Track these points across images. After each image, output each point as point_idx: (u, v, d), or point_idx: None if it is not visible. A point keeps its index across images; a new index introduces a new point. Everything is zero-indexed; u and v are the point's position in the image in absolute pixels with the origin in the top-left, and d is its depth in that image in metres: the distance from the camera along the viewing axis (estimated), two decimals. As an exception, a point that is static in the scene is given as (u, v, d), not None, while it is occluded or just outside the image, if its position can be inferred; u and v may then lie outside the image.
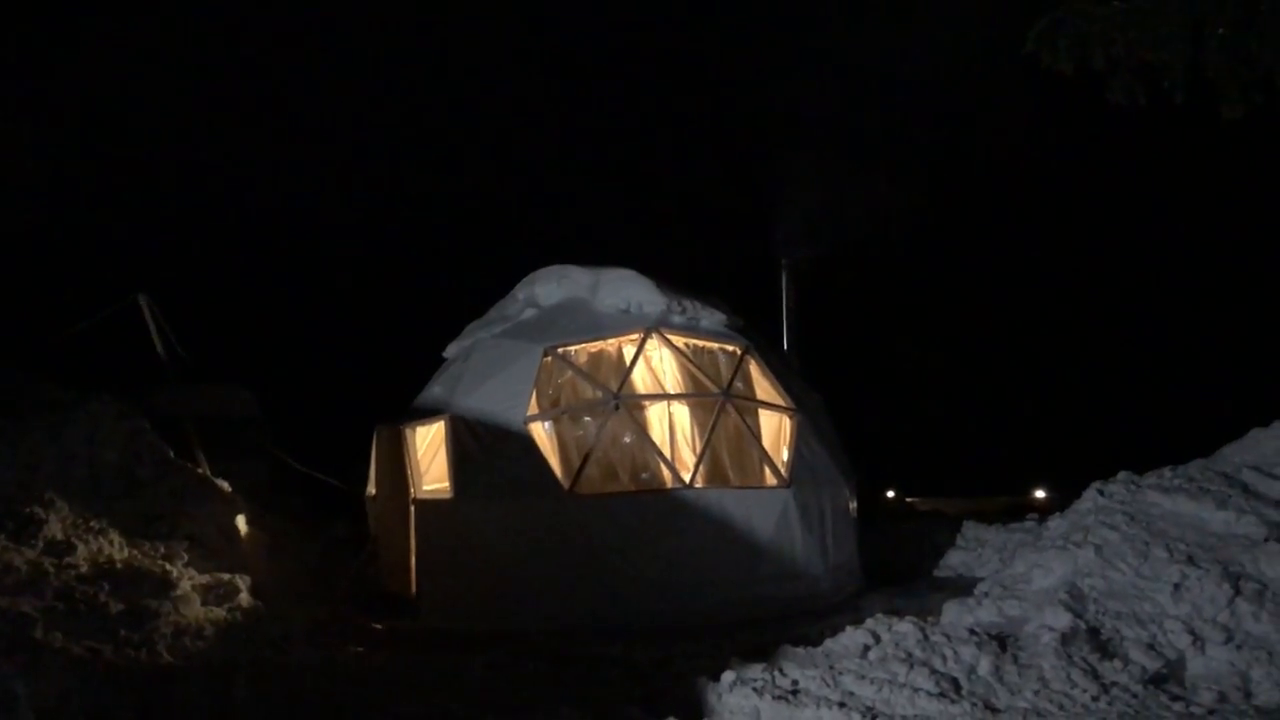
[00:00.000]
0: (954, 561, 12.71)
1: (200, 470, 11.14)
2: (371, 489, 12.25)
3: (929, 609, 9.30)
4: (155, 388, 12.70)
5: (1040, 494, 21.86)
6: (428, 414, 11.31)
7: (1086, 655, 7.64)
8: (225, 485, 11.16)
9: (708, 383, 11.07)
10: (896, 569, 12.68)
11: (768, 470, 10.90)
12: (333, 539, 12.95)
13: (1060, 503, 12.15)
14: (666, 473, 10.55)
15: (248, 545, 10.86)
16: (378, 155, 27.64)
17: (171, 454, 10.75)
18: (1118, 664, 7.57)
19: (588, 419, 10.87)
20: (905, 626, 8.10)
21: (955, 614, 8.63)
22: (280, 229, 22.97)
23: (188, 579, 8.63)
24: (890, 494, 21.28)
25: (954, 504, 19.54)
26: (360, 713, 7.12)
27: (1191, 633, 7.86)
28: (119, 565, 8.33)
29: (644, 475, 10.74)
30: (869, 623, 8.35)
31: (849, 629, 8.31)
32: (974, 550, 12.76)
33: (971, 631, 7.96)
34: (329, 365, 20.62)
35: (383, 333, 21.13)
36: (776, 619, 9.81)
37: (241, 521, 10.96)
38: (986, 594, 8.97)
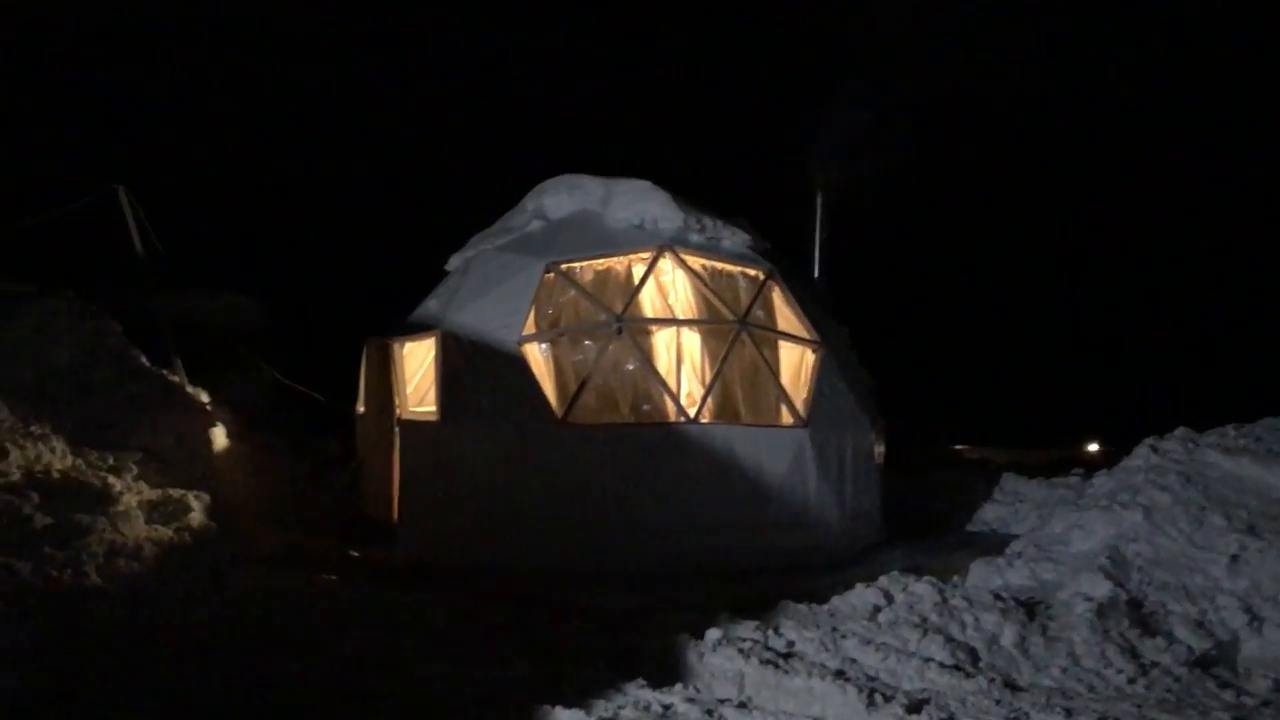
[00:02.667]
0: (989, 516, 11.99)
1: (175, 378, 10.42)
2: (361, 406, 11.51)
3: (954, 568, 8.59)
4: (148, 291, 12.01)
5: (1093, 447, 20.89)
6: (419, 329, 10.51)
7: (1125, 630, 6.89)
8: (203, 395, 10.45)
9: (724, 309, 10.12)
10: (925, 521, 11.85)
11: (784, 408, 9.98)
12: (325, 457, 12.24)
13: (1113, 458, 11.19)
14: (670, 405, 9.70)
15: (226, 460, 10.19)
16: (389, 53, 26.51)
17: (143, 359, 10.04)
18: (1160, 642, 6.82)
19: (588, 342, 10.01)
20: (922, 587, 7.45)
21: (981, 575, 8.04)
22: (282, 128, 22.07)
23: (134, 493, 7.91)
24: (938, 441, 20.44)
25: (1004, 453, 18.75)
26: (295, 646, 6.42)
27: (1248, 611, 7.11)
28: (55, 475, 7.61)
29: (645, 406, 9.89)
30: (883, 580, 7.71)
31: (859, 586, 7.66)
32: (1011, 505, 12.08)
33: (997, 596, 7.28)
34: (334, 274, 19.86)
35: (394, 242, 20.24)
36: (781, 570, 8.98)
37: (219, 434, 10.26)
38: (1019, 554, 8.36)
